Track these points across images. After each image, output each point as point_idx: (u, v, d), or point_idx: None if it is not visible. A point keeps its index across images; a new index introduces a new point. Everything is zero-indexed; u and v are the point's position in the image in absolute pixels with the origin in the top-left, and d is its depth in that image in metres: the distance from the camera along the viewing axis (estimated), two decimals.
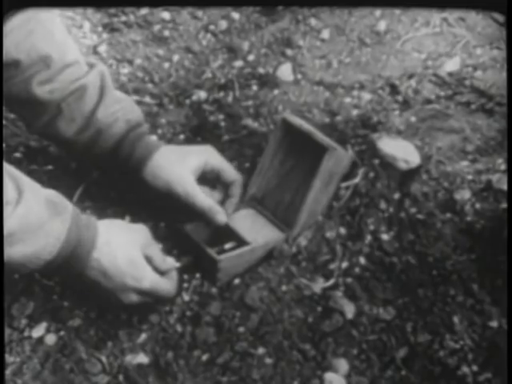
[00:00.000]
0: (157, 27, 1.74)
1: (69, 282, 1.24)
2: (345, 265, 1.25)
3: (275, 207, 1.34)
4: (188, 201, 1.27)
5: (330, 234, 1.28)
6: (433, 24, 1.59)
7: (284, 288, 1.23)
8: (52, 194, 1.13)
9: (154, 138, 1.37)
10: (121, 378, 1.17)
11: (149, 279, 1.17)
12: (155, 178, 1.28)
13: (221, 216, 1.28)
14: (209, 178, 1.32)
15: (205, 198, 1.27)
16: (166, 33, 1.73)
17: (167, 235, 1.33)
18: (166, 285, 1.20)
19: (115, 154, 1.30)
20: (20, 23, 1.23)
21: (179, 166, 1.28)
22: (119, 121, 1.30)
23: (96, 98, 1.30)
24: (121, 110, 1.31)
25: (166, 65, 1.68)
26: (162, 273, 1.20)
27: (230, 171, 1.32)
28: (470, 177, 1.28)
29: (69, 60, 1.29)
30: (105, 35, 1.75)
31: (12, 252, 1.04)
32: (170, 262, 1.22)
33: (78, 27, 1.77)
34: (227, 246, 1.27)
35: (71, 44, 1.34)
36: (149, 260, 1.19)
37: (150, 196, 1.32)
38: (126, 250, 1.16)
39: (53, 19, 1.30)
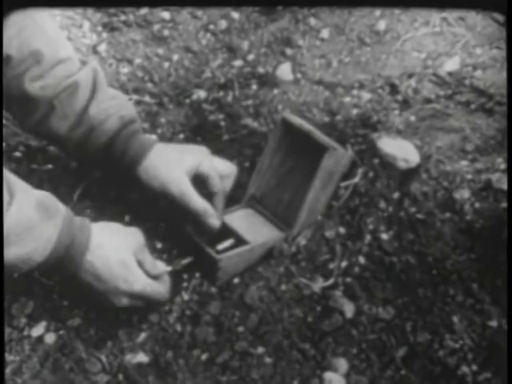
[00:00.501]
0: (156, 27, 1.74)
1: (63, 283, 1.24)
2: (344, 264, 1.25)
3: (275, 207, 1.34)
4: (183, 202, 1.26)
5: (329, 234, 1.28)
6: (432, 23, 1.59)
7: (283, 287, 1.23)
8: (45, 196, 1.13)
9: (147, 135, 1.35)
10: (120, 377, 1.17)
11: (141, 283, 1.17)
12: (150, 177, 1.28)
13: (214, 220, 1.28)
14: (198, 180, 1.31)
15: (200, 200, 1.27)
16: (166, 32, 1.73)
17: (167, 235, 1.33)
18: (159, 288, 1.20)
19: (108, 151, 1.29)
20: (13, 19, 1.22)
21: (175, 166, 1.27)
22: (112, 117, 1.29)
23: (88, 94, 1.28)
24: (114, 107, 1.30)
25: (166, 64, 1.68)
26: (154, 277, 1.20)
27: (215, 181, 1.29)
28: (469, 176, 1.28)
29: (61, 56, 1.28)
30: (104, 35, 1.75)
31: (4, 253, 1.04)
32: (161, 267, 1.22)
33: (77, 27, 1.77)
34: (220, 246, 1.27)
35: (64, 41, 1.33)
36: (140, 264, 1.19)
37: (145, 195, 1.32)
38: (118, 253, 1.16)
39: (45, 16, 1.29)
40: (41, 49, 1.26)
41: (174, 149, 1.32)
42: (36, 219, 1.08)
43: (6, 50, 1.22)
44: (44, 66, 1.26)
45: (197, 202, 1.26)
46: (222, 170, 1.31)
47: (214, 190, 1.29)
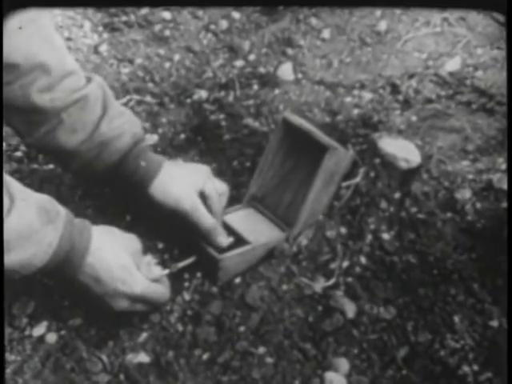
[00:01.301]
0: (157, 27, 1.74)
1: (62, 285, 1.24)
2: (345, 264, 1.25)
3: (276, 206, 1.34)
4: (194, 218, 1.27)
5: (330, 234, 1.28)
6: (433, 24, 1.59)
7: (285, 287, 1.23)
8: (45, 199, 1.12)
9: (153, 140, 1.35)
10: (122, 377, 1.17)
11: (140, 285, 1.17)
12: (164, 193, 1.27)
13: (223, 238, 1.28)
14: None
15: (210, 218, 1.28)
16: (167, 32, 1.73)
17: (168, 235, 1.33)
18: (159, 289, 1.20)
19: (119, 169, 1.27)
20: (18, 23, 1.18)
21: (185, 183, 1.28)
22: (125, 135, 1.26)
23: (100, 111, 1.25)
24: (126, 124, 1.27)
25: (167, 64, 1.68)
26: (152, 280, 1.20)
27: (215, 203, 1.30)
28: (470, 176, 1.28)
29: (68, 69, 1.25)
30: (105, 35, 1.75)
31: (5, 259, 1.04)
32: (157, 272, 1.22)
33: (78, 27, 1.77)
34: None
35: (68, 53, 1.29)
36: (137, 269, 1.19)
37: (152, 211, 1.31)
38: (118, 256, 1.16)
39: (51, 26, 1.26)
40: (48, 60, 1.21)
41: (180, 167, 1.32)
42: (37, 224, 1.08)
43: (12, 57, 1.18)
44: (53, 78, 1.22)
45: (208, 219, 1.27)
46: (218, 189, 1.32)
47: (213, 211, 1.30)
